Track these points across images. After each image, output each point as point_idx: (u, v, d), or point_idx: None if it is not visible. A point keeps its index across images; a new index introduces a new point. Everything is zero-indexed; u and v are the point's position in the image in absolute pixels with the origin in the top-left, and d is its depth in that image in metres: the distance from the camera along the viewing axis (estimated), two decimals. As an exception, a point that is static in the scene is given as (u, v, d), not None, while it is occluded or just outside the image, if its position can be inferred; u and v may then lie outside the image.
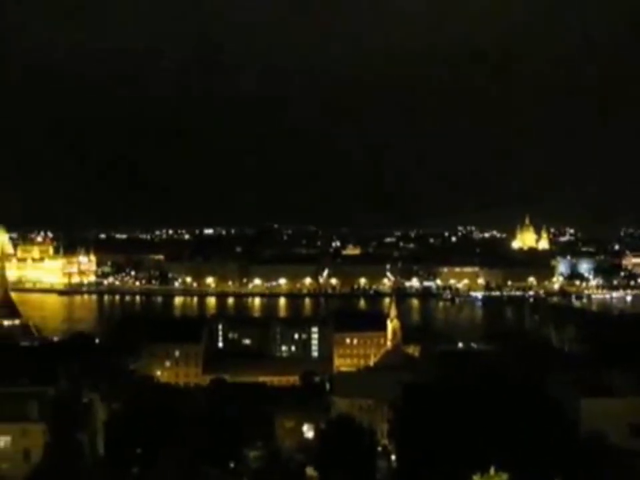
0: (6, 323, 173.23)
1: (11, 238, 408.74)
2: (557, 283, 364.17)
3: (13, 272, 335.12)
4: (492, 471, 60.41)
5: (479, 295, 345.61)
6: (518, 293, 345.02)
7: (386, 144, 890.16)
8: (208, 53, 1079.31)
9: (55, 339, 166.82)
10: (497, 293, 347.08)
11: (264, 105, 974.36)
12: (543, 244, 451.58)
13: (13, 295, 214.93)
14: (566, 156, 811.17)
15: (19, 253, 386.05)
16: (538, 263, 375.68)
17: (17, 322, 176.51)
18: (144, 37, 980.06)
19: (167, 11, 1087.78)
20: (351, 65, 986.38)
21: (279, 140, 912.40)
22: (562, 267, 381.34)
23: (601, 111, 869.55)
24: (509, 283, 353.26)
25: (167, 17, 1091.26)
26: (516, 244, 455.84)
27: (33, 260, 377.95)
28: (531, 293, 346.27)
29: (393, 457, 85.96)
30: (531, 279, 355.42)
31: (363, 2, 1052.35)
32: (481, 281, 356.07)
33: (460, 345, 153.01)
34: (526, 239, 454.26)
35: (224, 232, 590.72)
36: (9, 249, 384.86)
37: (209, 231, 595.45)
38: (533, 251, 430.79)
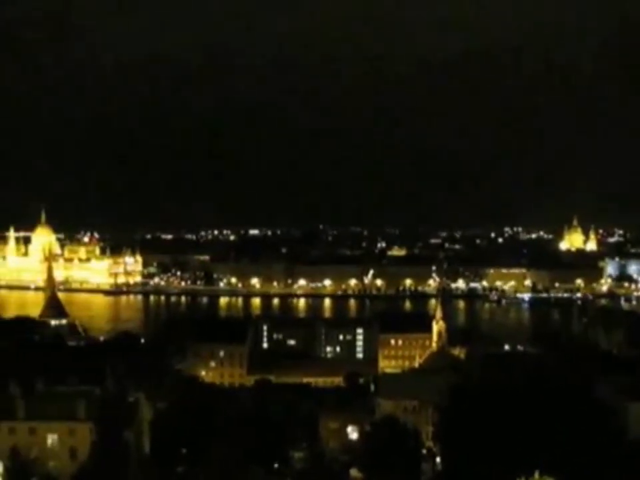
0: (53, 322, 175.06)
1: (58, 238, 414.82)
2: (605, 284, 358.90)
3: (60, 272, 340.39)
4: (536, 474, 59.63)
5: (525, 296, 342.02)
6: (565, 295, 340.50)
7: (430, 145, 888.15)
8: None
9: (102, 338, 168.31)
10: (544, 295, 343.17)
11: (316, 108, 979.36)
12: (591, 245, 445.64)
13: (60, 294, 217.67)
14: (616, 155, 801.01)
15: (66, 253, 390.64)
16: (586, 264, 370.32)
17: (64, 321, 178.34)
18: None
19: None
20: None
21: (328, 142, 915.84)
22: (610, 268, 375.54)
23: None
24: (557, 284, 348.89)
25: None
26: (563, 245, 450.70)
27: (80, 260, 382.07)
28: (579, 294, 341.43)
29: (438, 459, 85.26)
30: (579, 281, 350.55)
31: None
32: (527, 282, 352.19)
33: (506, 347, 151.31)
34: (574, 240, 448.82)
35: (269, 232, 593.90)
36: (56, 249, 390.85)
37: (254, 232, 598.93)
38: (580, 252, 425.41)
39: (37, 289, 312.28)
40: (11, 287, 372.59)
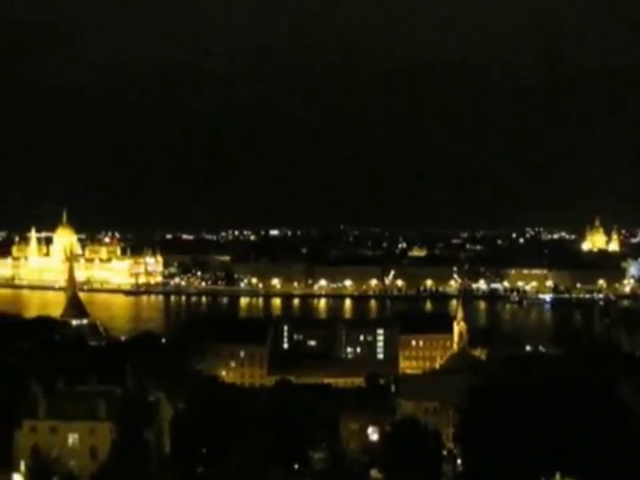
0: (75, 322, 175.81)
1: (79, 239, 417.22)
2: (627, 285, 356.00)
3: (81, 272, 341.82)
4: (557, 476, 59.18)
5: (547, 297, 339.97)
6: (587, 296, 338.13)
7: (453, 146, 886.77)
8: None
9: (122, 338, 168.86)
10: (566, 296, 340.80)
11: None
12: (614, 245, 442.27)
13: (81, 294, 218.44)
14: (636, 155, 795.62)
15: (87, 254, 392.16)
16: (608, 264, 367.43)
17: (85, 321, 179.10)
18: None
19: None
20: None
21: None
22: (633, 269, 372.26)
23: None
24: (578, 285, 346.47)
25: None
26: (585, 245, 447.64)
27: (101, 260, 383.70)
28: (601, 295, 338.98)
29: (459, 461, 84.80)
30: (601, 282, 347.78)
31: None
32: (549, 283, 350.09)
33: (527, 348, 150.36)
34: (596, 241, 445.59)
35: (289, 233, 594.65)
36: (78, 249, 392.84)
37: (274, 232, 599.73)
38: (603, 253, 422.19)
39: (60, 289, 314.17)
40: (32, 287, 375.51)
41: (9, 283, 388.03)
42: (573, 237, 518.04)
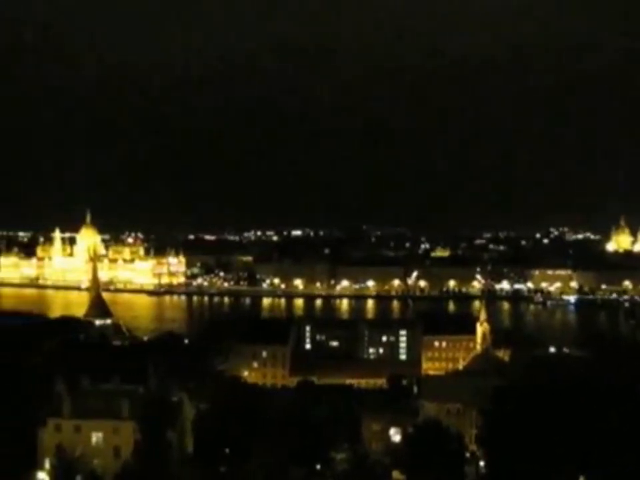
0: (98, 322, 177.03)
1: (102, 239, 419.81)
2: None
3: (104, 272, 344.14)
4: (582, 479, 58.73)
5: (571, 298, 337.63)
6: (613, 297, 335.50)
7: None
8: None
9: (145, 338, 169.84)
10: (591, 297, 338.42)
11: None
12: (639, 246, 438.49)
13: (104, 294, 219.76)
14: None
15: (111, 254, 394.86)
16: (633, 265, 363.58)
17: (108, 321, 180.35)
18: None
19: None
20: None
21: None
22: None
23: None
24: (603, 286, 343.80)
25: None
26: (611, 246, 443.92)
27: (124, 261, 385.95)
28: (626, 296, 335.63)
29: (482, 463, 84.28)
30: (627, 283, 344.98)
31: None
32: (573, 284, 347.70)
33: (552, 349, 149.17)
34: (621, 241, 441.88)
35: (312, 233, 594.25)
36: (101, 250, 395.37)
37: (296, 233, 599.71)
38: (628, 253, 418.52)
39: (85, 289, 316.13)
40: (56, 287, 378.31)
41: (34, 283, 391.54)
42: (597, 237, 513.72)
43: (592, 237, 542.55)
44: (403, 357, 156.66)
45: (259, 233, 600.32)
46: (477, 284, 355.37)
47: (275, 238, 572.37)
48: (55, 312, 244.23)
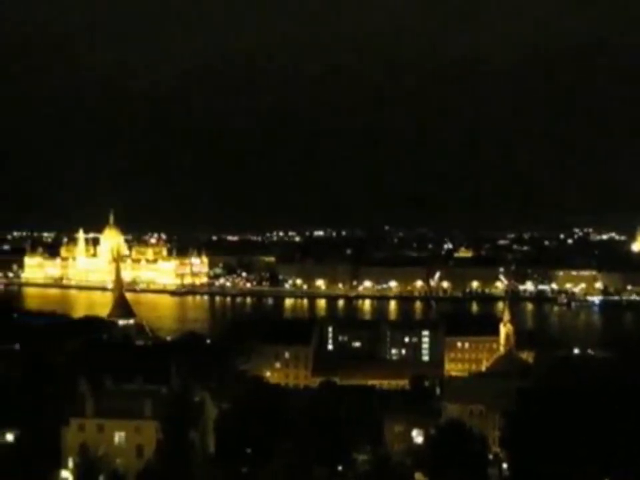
0: (121, 322, 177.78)
1: (126, 240, 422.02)
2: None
3: (127, 273, 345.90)
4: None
5: (596, 299, 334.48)
6: (638, 298, 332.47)
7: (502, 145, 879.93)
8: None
9: (168, 338, 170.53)
10: (616, 298, 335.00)
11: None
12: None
13: (128, 295, 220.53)
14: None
15: (134, 254, 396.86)
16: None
17: (131, 321, 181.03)
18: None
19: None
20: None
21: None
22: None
23: None
24: (629, 287, 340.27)
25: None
26: (636, 246, 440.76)
27: (147, 261, 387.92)
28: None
29: (505, 465, 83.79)
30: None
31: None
32: (598, 284, 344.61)
33: (576, 351, 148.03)
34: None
35: (334, 234, 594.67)
36: (124, 250, 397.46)
37: (319, 233, 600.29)
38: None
39: (109, 289, 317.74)
40: (80, 287, 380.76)
41: (58, 283, 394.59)
42: (622, 237, 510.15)
43: (617, 237, 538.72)
44: (425, 357, 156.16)
45: (281, 234, 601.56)
46: (501, 285, 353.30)
47: (297, 238, 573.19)
48: (79, 312, 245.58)
